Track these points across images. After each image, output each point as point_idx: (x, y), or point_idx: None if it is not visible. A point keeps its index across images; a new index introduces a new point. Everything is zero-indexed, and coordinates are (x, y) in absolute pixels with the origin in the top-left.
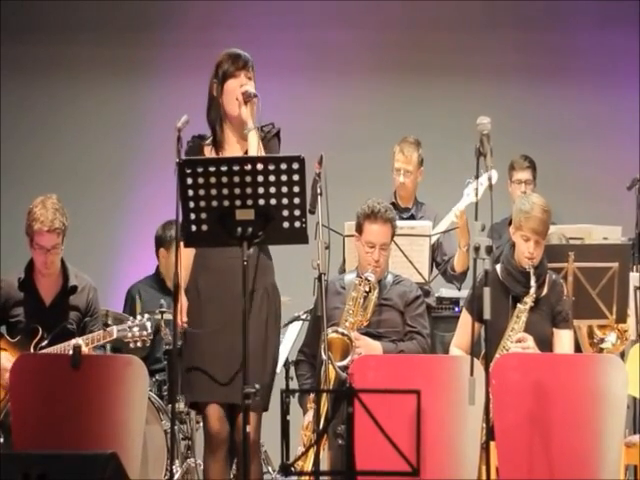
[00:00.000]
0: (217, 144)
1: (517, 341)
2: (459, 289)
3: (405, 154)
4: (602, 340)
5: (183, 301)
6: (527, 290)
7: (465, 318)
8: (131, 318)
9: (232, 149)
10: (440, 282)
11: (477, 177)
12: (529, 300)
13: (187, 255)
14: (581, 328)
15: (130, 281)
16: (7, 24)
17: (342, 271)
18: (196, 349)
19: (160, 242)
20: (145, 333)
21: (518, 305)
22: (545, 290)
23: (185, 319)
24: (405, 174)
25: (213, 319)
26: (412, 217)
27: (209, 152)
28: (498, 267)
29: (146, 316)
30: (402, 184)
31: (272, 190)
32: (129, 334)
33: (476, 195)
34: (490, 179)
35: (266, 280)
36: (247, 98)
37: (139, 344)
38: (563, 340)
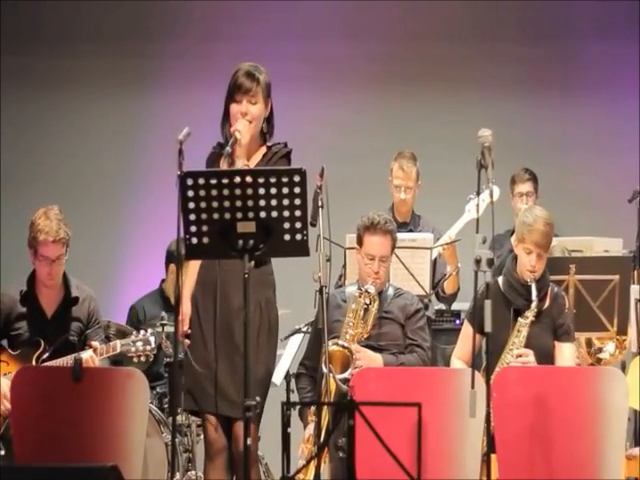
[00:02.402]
0: (230, 156)
1: (517, 356)
2: (448, 309)
3: (405, 170)
4: (600, 350)
5: (186, 310)
6: (529, 303)
7: (467, 329)
8: (134, 332)
9: (240, 163)
10: None
11: (478, 192)
12: (530, 315)
13: (194, 270)
14: (579, 338)
15: (132, 293)
16: (8, 35)
17: (338, 286)
18: (191, 359)
19: (172, 257)
20: (149, 348)
21: (519, 319)
22: (547, 303)
23: (186, 328)
24: (406, 190)
25: (207, 332)
26: (410, 232)
27: (223, 162)
28: (500, 279)
29: (149, 331)
30: (403, 200)
31: (273, 203)
32: (132, 348)
33: (477, 211)
34: (492, 195)
35: (259, 294)
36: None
37: (142, 359)
38: (564, 353)
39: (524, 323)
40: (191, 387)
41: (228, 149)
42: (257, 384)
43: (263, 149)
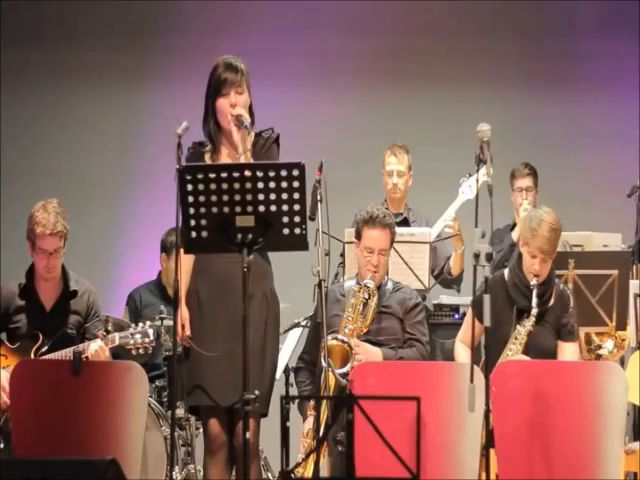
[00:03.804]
0: (214, 153)
1: None
2: (458, 291)
3: (397, 156)
4: (599, 347)
5: (184, 314)
6: (531, 305)
7: (471, 315)
8: (133, 325)
9: (226, 159)
10: (440, 289)
11: (478, 171)
12: (528, 324)
13: (187, 261)
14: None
15: (130, 287)
16: (8, 31)
17: (335, 282)
18: (197, 353)
19: (162, 247)
20: (147, 340)
21: (517, 327)
22: (552, 301)
23: (188, 332)
24: (398, 174)
25: (212, 324)
26: (405, 220)
27: (208, 159)
28: (506, 272)
29: (148, 323)
30: (395, 185)
31: (272, 197)
32: (131, 341)
33: (477, 185)
34: (485, 175)
35: (265, 285)
36: (238, 124)
37: (141, 351)
38: (567, 353)
39: (522, 331)
40: (194, 383)
41: (247, 124)
42: (267, 375)
43: (251, 137)
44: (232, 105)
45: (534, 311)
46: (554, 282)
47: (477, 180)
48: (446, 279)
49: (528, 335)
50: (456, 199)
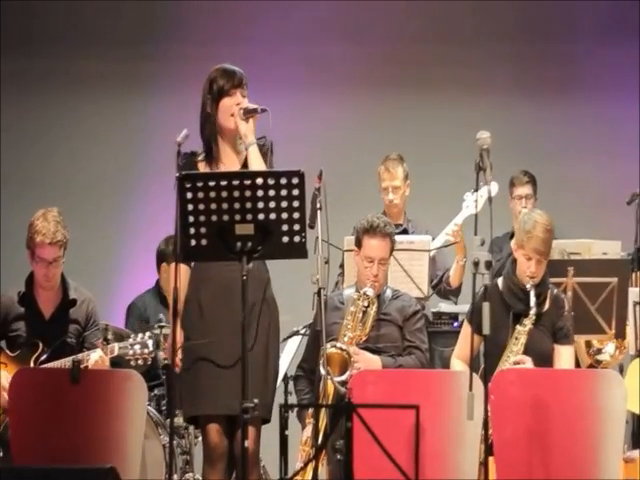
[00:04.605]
0: (212, 160)
1: (515, 363)
2: (455, 303)
3: (390, 171)
4: (599, 351)
5: (178, 338)
6: (528, 308)
7: (466, 330)
8: (132, 335)
9: (229, 163)
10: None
11: (477, 190)
12: (528, 323)
13: (183, 272)
14: (578, 340)
15: (129, 296)
16: (8, 37)
17: (335, 289)
18: (197, 361)
19: (162, 257)
20: (146, 351)
21: (517, 327)
22: (547, 305)
23: (180, 357)
24: (393, 191)
25: (215, 331)
26: (405, 232)
27: (203, 168)
28: (500, 281)
29: (147, 334)
30: (391, 202)
31: (272, 205)
32: (130, 352)
33: (476, 207)
34: (489, 191)
35: (266, 292)
36: (249, 114)
37: (140, 362)
38: (563, 356)
39: (522, 331)
40: (195, 392)
41: (261, 107)
42: (270, 381)
43: None
44: (238, 104)
45: (533, 310)
46: (548, 285)
47: (477, 200)
48: (444, 289)
49: (527, 334)
50: (460, 213)
